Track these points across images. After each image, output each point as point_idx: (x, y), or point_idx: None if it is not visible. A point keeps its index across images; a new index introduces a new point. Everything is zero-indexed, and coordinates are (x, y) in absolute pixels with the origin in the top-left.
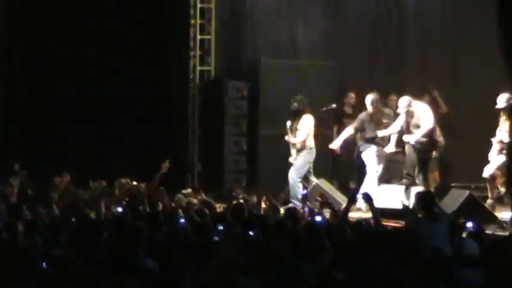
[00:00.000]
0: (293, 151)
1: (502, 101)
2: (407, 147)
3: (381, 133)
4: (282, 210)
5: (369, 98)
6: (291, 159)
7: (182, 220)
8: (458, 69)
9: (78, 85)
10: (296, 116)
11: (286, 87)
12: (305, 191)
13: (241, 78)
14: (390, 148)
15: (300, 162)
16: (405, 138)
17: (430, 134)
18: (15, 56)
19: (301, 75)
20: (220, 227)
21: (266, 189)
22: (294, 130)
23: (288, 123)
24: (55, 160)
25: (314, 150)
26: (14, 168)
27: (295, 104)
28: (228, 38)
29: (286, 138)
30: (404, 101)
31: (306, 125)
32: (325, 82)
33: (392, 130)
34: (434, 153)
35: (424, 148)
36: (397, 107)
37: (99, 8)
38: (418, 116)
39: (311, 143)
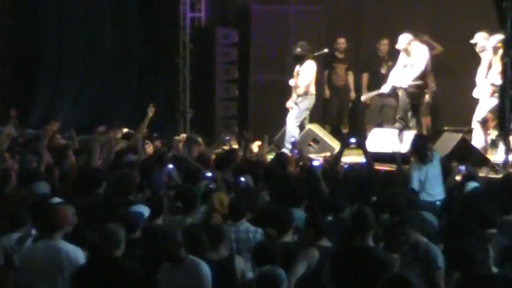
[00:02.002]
0: (294, 95)
1: (494, 40)
2: (400, 91)
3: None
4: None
5: None
6: (289, 103)
7: (170, 166)
8: (445, 10)
9: (66, 34)
10: (298, 61)
11: (275, 33)
12: (294, 138)
13: (231, 25)
14: (386, 87)
15: (300, 108)
16: (397, 82)
17: (422, 77)
18: None
19: (290, 21)
20: (209, 174)
21: (252, 134)
22: (296, 75)
23: (296, 67)
24: (46, 108)
25: (314, 96)
26: (10, 114)
27: (298, 50)
28: None
29: (291, 82)
30: (405, 39)
31: (309, 70)
32: (314, 27)
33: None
34: (426, 97)
35: (417, 92)
36: (388, 51)
37: None
38: (413, 56)
39: (312, 89)
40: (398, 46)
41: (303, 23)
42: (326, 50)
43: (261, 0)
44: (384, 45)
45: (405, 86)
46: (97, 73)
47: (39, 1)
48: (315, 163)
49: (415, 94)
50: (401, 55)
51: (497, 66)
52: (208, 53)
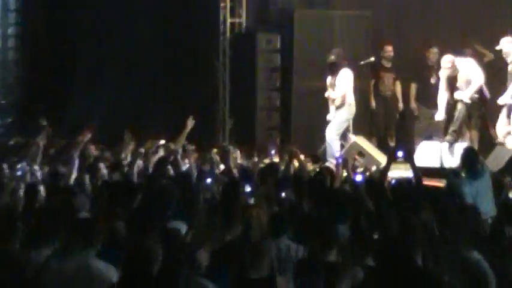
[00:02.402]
0: (331, 107)
1: None
2: (459, 104)
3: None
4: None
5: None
6: (329, 117)
7: (209, 180)
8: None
9: (102, 39)
10: (333, 70)
11: (320, 39)
12: (339, 153)
13: (272, 30)
14: (440, 115)
15: (338, 119)
16: (457, 95)
17: (480, 90)
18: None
19: (335, 26)
20: (248, 188)
21: (296, 147)
22: (332, 85)
23: (329, 78)
24: (79, 116)
25: (354, 106)
26: (40, 123)
27: (332, 57)
28: None
29: (326, 94)
30: (446, 61)
31: (345, 79)
32: (361, 34)
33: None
34: (483, 110)
35: (475, 104)
36: (438, 60)
37: None
38: (466, 73)
39: (350, 98)
40: (442, 70)
41: (349, 28)
42: (373, 59)
43: (305, 3)
44: (433, 53)
45: (466, 100)
46: (134, 80)
47: (75, 11)
48: (358, 177)
49: (473, 107)
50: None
51: None
52: (249, 59)
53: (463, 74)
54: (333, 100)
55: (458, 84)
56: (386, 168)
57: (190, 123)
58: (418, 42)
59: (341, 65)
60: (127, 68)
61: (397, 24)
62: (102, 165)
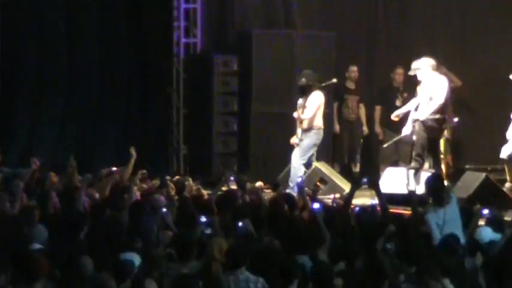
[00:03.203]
0: (299, 130)
1: None
2: (417, 125)
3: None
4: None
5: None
6: (294, 139)
7: (164, 210)
8: (468, 40)
9: (47, 57)
10: (304, 92)
11: (280, 60)
12: (300, 179)
13: (230, 51)
14: (407, 129)
15: (306, 144)
16: (414, 115)
17: (441, 110)
18: None
19: (296, 47)
20: (204, 219)
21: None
22: (301, 107)
23: (300, 100)
24: (24, 142)
25: (322, 131)
26: None
27: (303, 80)
28: (214, 6)
29: (295, 115)
30: (424, 63)
31: (315, 102)
32: (323, 54)
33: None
34: (445, 133)
35: (435, 126)
36: (403, 81)
37: None
38: (432, 88)
39: (319, 122)
40: (413, 72)
41: (311, 49)
42: (335, 80)
43: (263, 23)
44: (398, 74)
45: (423, 118)
46: (81, 104)
47: (20, 27)
48: (315, 205)
49: (433, 129)
50: (421, 85)
51: None
52: (205, 82)
53: (426, 89)
54: (301, 122)
55: (418, 100)
56: (350, 195)
57: (133, 150)
58: (383, 63)
59: (312, 87)
60: (73, 91)
61: (362, 44)
62: (54, 194)
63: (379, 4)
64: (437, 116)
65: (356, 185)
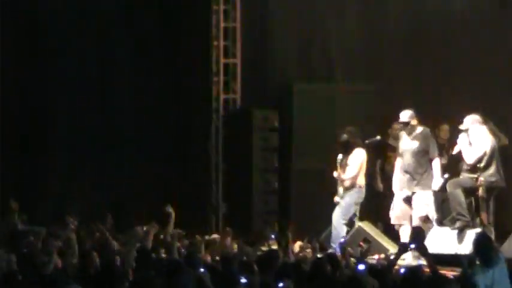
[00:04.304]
0: (340, 189)
1: None
2: (449, 183)
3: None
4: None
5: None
6: (336, 199)
7: (202, 270)
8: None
9: (85, 115)
10: (345, 149)
11: (321, 116)
12: (343, 239)
13: (270, 107)
14: (437, 183)
15: (347, 202)
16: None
17: (481, 167)
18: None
19: (337, 102)
20: (244, 280)
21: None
22: (343, 165)
23: (339, 157)
24: (56, 202)
25: (364, 190)
26: (10, 205)
27: (345, 136)
28: (253, 61)
29: (335, 174)
30: (469, 120)
31: (358, 160)
32: (366, 110)
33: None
34: (480, 191)
35: (470, 182)
36: (449, 139)
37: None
38: (473, 141)
39: (361, 181)
40: (461, 127)
41: (353, 104)
42: (379, 137)
43: (304, 76)
44: (443, 131)
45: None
46: (118, 161)
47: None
48: (360, 267)
49: (469, 187)
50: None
51: None
52: (245, 138)
53: (467, 142)
54: (342, 181)
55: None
56: (396, 258)
57: (170, 209)
58: (428, 119)
59: (355, 144)
60: (109, 149)
61: (406, 99)
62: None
63: (426, 57)
64: (474, 175)
65: (403, 249)
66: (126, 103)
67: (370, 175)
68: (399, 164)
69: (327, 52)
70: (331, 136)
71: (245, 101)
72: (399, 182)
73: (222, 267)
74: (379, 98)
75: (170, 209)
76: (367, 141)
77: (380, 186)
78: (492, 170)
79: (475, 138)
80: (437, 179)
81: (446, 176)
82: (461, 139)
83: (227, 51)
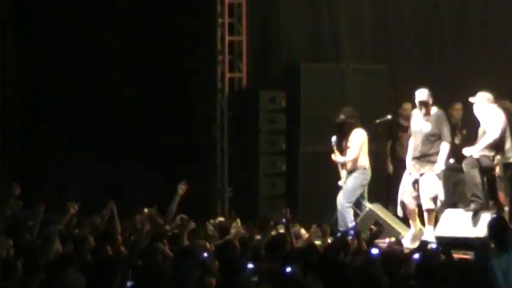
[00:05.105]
0: (343, 172)
1: None
2: (464, 164)
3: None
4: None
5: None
6: (340, 182)
7: (206, 255)
8: None
9: (78, 96)
10: (343, 130)
11: (330, 96)
12: (353, 223)
13: (277, 87)
14: (439, 167)
15: (350, 185)
16: (465, 151)
17: (495, 146)
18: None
19: (347, 81)
20: (251, 265)
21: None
22: (343, 148)
23: (333, 138)
24: (57, 183)
25: (369, 170)
26: (12, 190)
27: (342, 117)
28: (260, 39)
29: (333, 157)
30: (482, 98)
31: (357, 141)
32: (375, 89)
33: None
34: (497, 170)
35: (488, 163)
36: (462, 118)
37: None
38: (486, 121)
39: (364, 162)
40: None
41: (362, 84)
42: (389, 117)
43: (312, 57)
44: (457, 110)
45: (475, 155)
46: (118, 145)
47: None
48: (374, 251)
49: (486, 166)
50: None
51: None
52: (251, 120)
53: (481, 123)
54: (343, 164)
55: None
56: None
57: (181, 188)
58: (440, 99)
59: (352, 125)
60: (110, 133)
61: (417, 79)
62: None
63: (436, 37)
64: (491, 153)
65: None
66: (127, 83)
67: (379, 156)
68: (411, 145)
69: (336, 31)
70: None
71: (251, 81)
72: (408, 165)
73: (228, 252)
74: (389, 78)
75: (181, 188)
76: (377, 121)
77: (390, 167)
78: (508, 146)
79: (485, 116)
80: (440, 163)
81: (451, 161)
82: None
83: (232, 28)
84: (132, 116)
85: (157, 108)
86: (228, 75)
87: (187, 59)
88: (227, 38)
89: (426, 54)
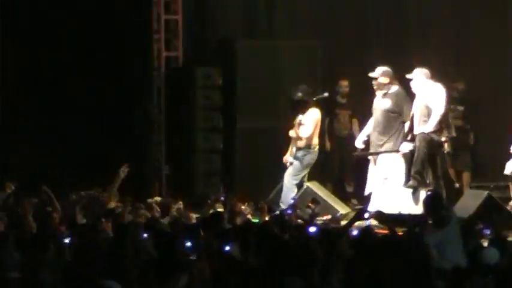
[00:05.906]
0: (293, 149)
1: None
2: (417, 140)
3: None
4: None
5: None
6: (289, 158)
7: (145, 235)
8: (465, 51)
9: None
10: (299, 108)
11: (266, 73)
12: (293, 200)
13: (213, 64)
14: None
15: (300, 163)
16: (417, 129)
17: (440, 123)
18: None
19: (282, 57)
20: (188, 243)
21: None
22: (298, 124)
23: (300, 117)
24: None
25: (317, 151)
26: None
27: (300, 95)
28: (195, 17)
29: (291, 133)
30: (419, 74)
31: (313, 119)
32: (311, 66)
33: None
34: (445, 146)
35: (435, 139)
36: None
37: None
38: (428, 97)
39: (316, 141)
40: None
41: (298, 60)
42: (326, 94)
43: (247, 34)
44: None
45: (428, 130)
46: (53, 124)
47: None
48: (311, 229)
49: (433, 142)
50: (416, 96)
51: None
52: (187, 97)
53: (422, 99)
54: (297, 140)
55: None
56: (350, 225)
57: (122, 171)
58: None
59: (308, 103)
60: (53, 115)
61: (353, 54)
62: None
63: (369, 12)
64: (437, 128)
65: (360, 217)
66: (64, 60)
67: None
68: (371, 121)
69: (271, 8)
70: (275, 93)
71: (187, 59)
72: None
73: (167, 231)
74: (325, 55)
75: (122, 171)
76: (314, 98)
77: (328, 145)
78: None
79: (425, 92)
80: (406, 142)
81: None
82: (417, 99)
83: (168, 7)
84: (72, 96)
85: (93, 88)
86: (164, 53)
87: (124, 39)
88: (163, 17)
89: (361, 32)
